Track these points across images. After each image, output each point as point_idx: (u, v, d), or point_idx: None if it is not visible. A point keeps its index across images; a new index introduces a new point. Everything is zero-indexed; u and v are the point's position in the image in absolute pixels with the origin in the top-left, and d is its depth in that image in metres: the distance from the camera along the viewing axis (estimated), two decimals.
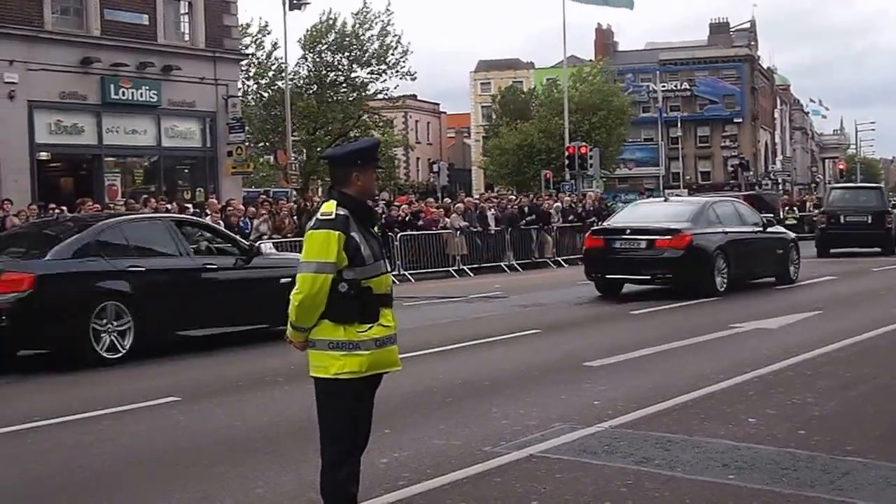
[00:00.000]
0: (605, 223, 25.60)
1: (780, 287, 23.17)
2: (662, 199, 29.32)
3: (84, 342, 14.02)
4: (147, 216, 19.57)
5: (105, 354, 14.15)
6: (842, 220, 35.29)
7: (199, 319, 15.66)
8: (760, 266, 23.80)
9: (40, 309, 13.85)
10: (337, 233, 5.77)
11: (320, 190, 57.17)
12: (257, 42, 57.46)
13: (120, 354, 14.29)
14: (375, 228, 6.14)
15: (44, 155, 31.34)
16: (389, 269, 6.13)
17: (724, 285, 21.62)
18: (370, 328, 5.84)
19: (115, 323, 14.32)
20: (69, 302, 14.10)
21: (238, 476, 8.03)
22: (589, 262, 23.06)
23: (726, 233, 22.20)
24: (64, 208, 25.30)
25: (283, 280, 14.62)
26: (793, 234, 26.08)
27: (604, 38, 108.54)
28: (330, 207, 5.85)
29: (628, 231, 22.13)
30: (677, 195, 47.89)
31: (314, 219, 5.93)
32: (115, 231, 15.41)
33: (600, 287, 22.59)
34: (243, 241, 17.87)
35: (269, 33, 57.62)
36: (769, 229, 24.40)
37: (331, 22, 58.84)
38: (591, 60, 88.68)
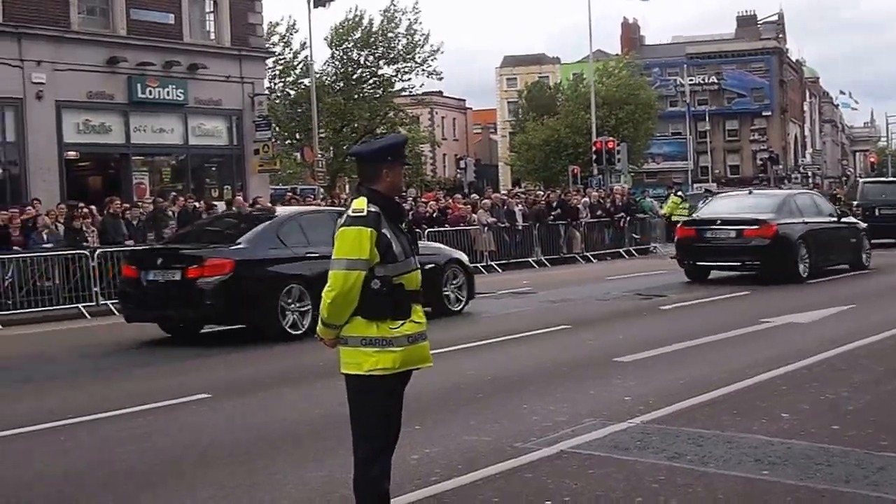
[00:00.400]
0: (695, 214, 27.13)
1: (812, 281, 23.03)
2: (747, 191, 30.21)
3: (272, 319, 15.90)
4: (315, 209, 22.30)
5: (289, 331, 15.92)
6: (876, 213, 35.39)
7: None
8: (836, 254, 25.21)
9: (238, 290, 15.83)
10: (369, 229, 5.72)
11: (347, 187, 57.27)
12: (286, 41, 57.59)
13: (301, 331, 15.91)
14: (404, 225, 6.08)
15: (72, 154, 31.46)
16: (419, 266, 6.07)
17: (806, 272, 23.10)
18: (402, 324, 5.80)
19: (297, 303, 16.14)
20: (261, 284, 16.01)
21: (269, 473, 8.01)
22: (681, 250, 24.82)
23: (806, 223, 23.75)
24: (93, 207, 25.36)
25: (427, 266, 16.44)
26: (864, 224, 27.32)
27: (630, 32, 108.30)
28: (361, 204, 5.80)
29: (719, 221, 23.86)
30: (708, 190, 47.80)
31: (345, 216, 5.88)
32: (292, 222, 17.46)
33: (690, 273, 24.34)
34: None
35: (296, 31, 57.75)
36: (843, 219, 25.83)
37: (357, 19, 58.92)
38: (617, 55, 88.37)
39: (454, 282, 19.38)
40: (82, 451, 9.22)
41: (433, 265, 18.54)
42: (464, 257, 20.48)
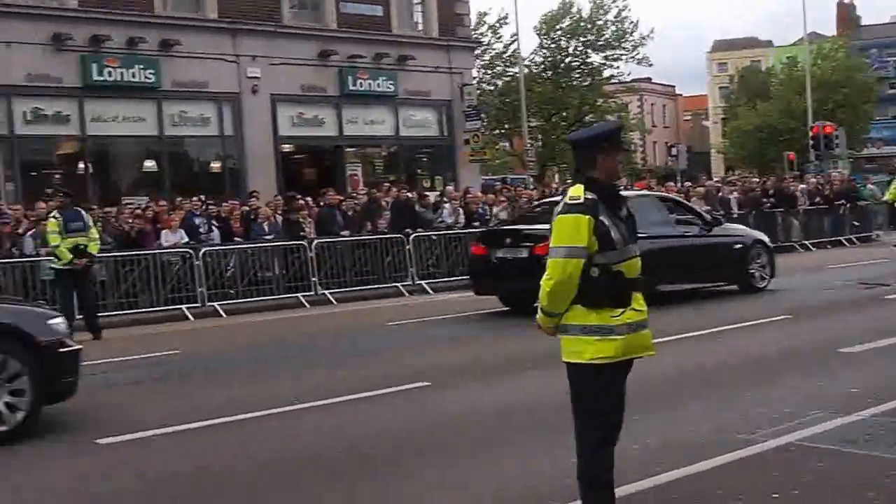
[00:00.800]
0: None
1: None
2: None
3: None
4: (641, 193, 23.50)
5: None
6: None
7: (679, 277, 18.67)
8: None
9: None
10: (587, 217, 5.64)
11: (557, 176, 57.21)
12: (495, 31, 57.77)
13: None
14: (624, 212, 5.94)
15: (287, 147, 32.19)
16: (638, 253, 5.92)
17: None
18: (623, 313, 5.70)
19: None
20: None
21: (491, 459, 8.04)
22: None
23: None
24: (309, 199, 25.92)
25: (736, 246, 19.94)
26: None
27: (846, 13, 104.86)
28: (578, 192, 5.73)
29: None
30: None
31: (562, 203, 5.82)
32: None
33: None
34: (705, 213, 21.27)
35: (507, 24, 57.81)
36: None
37: (567, 7, 58.74)
38: (832, 36, 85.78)
39: (759, 261, 20.45)
40: (305, 435, 9.43)
41: (741, 245, 20.29)
42: (766, 238, 21.54)
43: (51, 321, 10.34)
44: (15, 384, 9.65)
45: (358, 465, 8.15)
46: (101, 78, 27.46)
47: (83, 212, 18.76)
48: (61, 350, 10.07)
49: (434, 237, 25.44)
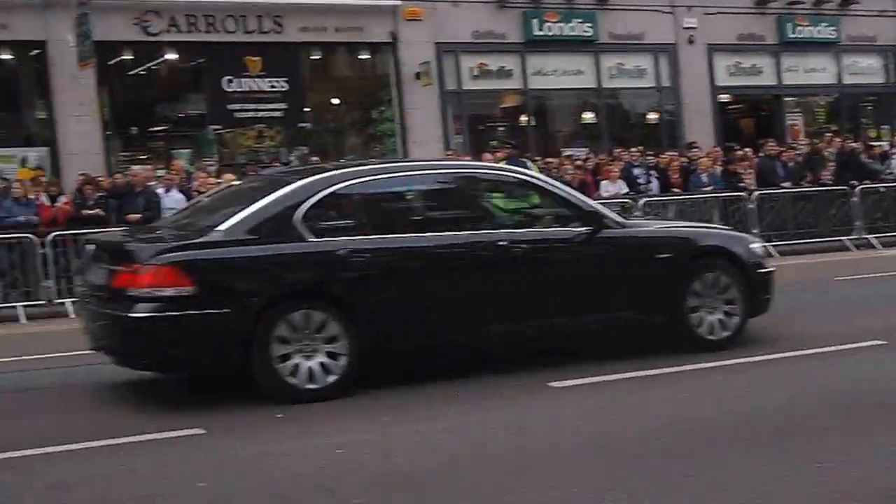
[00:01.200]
0: None
1: None
2: None
3: None
4: None
5: None
6: None
7: None
8: None
9: None
10: None
11: None
12: None
13: None
14: None
15: (724, 97, 31.81)
16: None
17: None
18: None
19: None
20: None
21: None
22: None
23: None
24: (747, 149, 25.63)
25: None
26: None
27: None
28: None
29: None
30: None
31: None
32: None
33: None
34: None
35: None
36: None
37: None
38: None
39: None
40: (745, 392, 9.21)
41: None
42: None
43: (752, 245, 11.84)
44: (727, 294, 11.05)
45: (802, 424, 7.88)
46: (542, 33, 28.09)
47: (529, 162, 19.34)
48: (760, 271, 11.48)
49: (882, 189, 24.50)
